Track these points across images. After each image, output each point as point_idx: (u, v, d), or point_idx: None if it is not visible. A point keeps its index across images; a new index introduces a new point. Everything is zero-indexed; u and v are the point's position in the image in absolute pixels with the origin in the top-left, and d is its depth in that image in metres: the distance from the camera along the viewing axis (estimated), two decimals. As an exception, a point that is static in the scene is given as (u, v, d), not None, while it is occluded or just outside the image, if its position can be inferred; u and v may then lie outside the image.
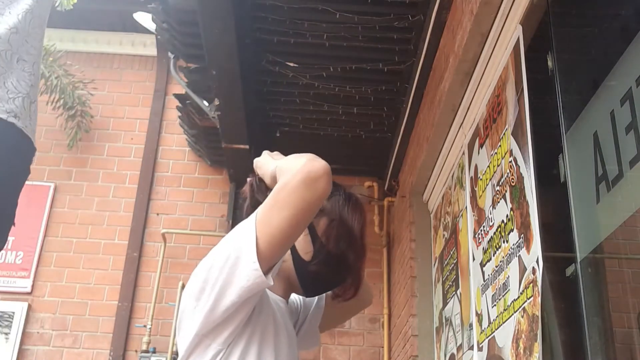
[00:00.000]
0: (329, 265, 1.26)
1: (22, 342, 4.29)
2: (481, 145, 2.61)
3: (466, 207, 2.81)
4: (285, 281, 1.29)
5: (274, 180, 1.17)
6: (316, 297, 1.45)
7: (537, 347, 1.83)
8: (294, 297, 1.43)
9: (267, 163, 1.25)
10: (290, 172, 1.09)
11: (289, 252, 1.25)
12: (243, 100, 3.55)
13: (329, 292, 1.44)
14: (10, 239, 5.07)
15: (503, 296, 2.20)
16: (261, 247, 1.07)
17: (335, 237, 1.27)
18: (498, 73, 2.42)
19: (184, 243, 4.56)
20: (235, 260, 1.08)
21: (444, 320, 3.23)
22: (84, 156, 4.83)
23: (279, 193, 1.08)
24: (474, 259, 2.63)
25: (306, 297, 1.38)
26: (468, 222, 2.75)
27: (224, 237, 1.16)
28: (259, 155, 1.34)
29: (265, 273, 1.08)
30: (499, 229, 2.30)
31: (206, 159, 4.75)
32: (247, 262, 1.07)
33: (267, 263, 1.08)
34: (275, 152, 1.31)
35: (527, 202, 2.01)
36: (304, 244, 1.26)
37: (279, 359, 1.17)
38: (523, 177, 2.06)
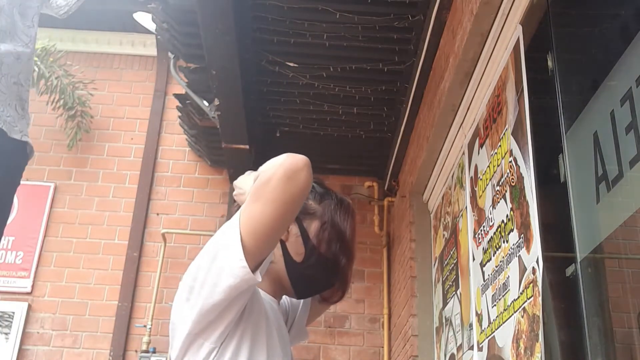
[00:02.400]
0: (321, 268, 1.27)
1: (22, 342, 4.29)
2: (481, 145, 2.61)
3: (466, 207, 2.81)
4: (276, 282, 1.30)
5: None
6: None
7: (539, 347, 1.84)
8: (283, 298, 1.45)
9: (246, 181, 1.27)
10: (270, 168, 1.10)
11: (280, 254, 1.27)
12: (243, 100, 3.55)
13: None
14: (10, 238, 5.05)
15: (503, 296, 2.20)
16: (247, 243, 1.08)
17: (327, 240, 1.28)
18: (498, 73, 2.42)
19: (184, 243, 4.56)
20: (221, 259, 1.09)
21: (444, 320, 3.23)
22: (84, 156, 4.83)
23: (261, 188, 1.09)
24: (474, 259, 2.63)
25: (297, 298, 1.39)
26: (468, 222, 2.75)
27: (212, 237, 1.16)
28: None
29: (254, 270, 1.08)
30: (499, 229, 2.30)
31: (206, 159, 4.75)
32: (233, 260, 1.07)
33: (254, 259, 1.09)
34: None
35: (527, 202, 2.01)
36: (295, 246, 1.27)
37: (271, 355, 1.18)
38: (523, 177, 2.06)
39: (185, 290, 1.13)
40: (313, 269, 1.26)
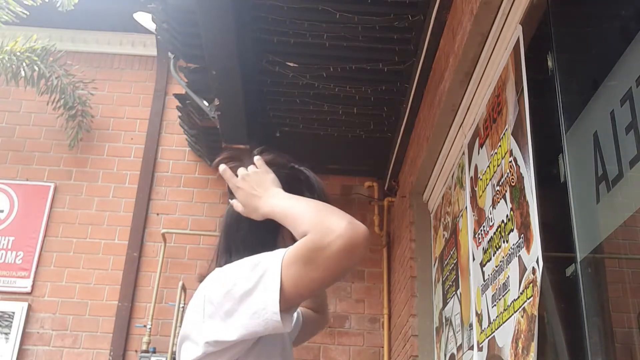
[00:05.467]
0: None
1: (22, 342, 4.29)
2: (481, 145, 2.61)
3: (466, 207, 2.81)
4: None
5: (265, 217, 1.15)
6: (296, 313, 1.47)
7: (533, 346, 1.84)
8: None
9: (253, 195, 1.18)
10: (327, 232, 1.01)
11: None
12: (243, 100, 3.55)
13: (303, 309, 1.50)
14: (10, 238, 5.08)
15: (503, 296, 2.20)
16: (287, 296, 1.03)
17: None
18: (498, 73, 2.42)
19: (184, 243, 4.56)
20: (256, 301, 1.04)
21: (444, 320, 3.23)
22: (84, 156, 4.83)
23: (316, 253, 1.01)
24: (474, 259, 2.63)
25: None
26: (468, 222, 2.75)
27: (241, 264, 1.10)
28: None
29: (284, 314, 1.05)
30: (499, 229, 2.30)
31: (206, 159, 4.75)
32: (268, 311, 1.02)
33: (288, 309, 1.06)
34: (260, 171, 1.22)
35: (527, 202, 2.01)
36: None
37: None
38: (523, 177, 2.06)
39: (206, 309, 1.09)
40: None
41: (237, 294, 1.05)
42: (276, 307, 1.01)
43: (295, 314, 1.47)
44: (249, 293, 1.04)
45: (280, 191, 1.18)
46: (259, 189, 1.19)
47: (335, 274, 1.03)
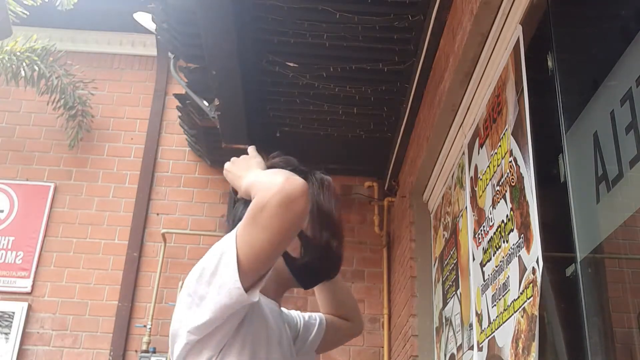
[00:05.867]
0: (319, 257, 1.27)
1: (22, 342, 4.29)
2: (481, 145, 2.61)
3: (466, 207, 2.81)
4: (277, 281, 1.28)
5: (247, 195, 1.18)
6: (317, 321, 1.49)
7: (535, 346, 1.84)
8: (295, 313, 1.47)
9: (238, 176, 1.25)
10: (266, 191, 1.06)
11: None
12: (243, 100, 3.55)
13: (329, 317, 1.50)
14: (10, 238, 5.08)
15: (503, 296, 2.20)
16: (243, 265, 1.07)
17: (318, 227, 1.26)
18: (498, 73, 2.42)
19: (184, 243, 4.56)
20: (219, 277, 1.08)
21: (444, 320, 3.23)
22: (84, 156, 4.83)
23: (258, 214, 1.05)
24: (474, 259, 2.63)
25: (305, 288, 1.39)
26: (468, 222, 2.75)
27: (209, 250, 1.15)
28: (259, 155, 1.33)
29: (250, 287, 1.08)
30: (499, 229, 2.30)
31: (206, 159, 4.76)
32: (230, 281, 1.07)
33: (250, 280, 1.09)
34: (248, 156, 1.30)
35: (527, 202, 2.01)
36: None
37: None
38: (523, 177, 2.06)
39: (185, 301, 1.13)
40: (312, 261, 1.26)
41: (206, 277, 1.10)
42: (235, 275, 1.06)
43: (307, 320, 1.47)
44: (214, 273, 1.09)
45: (260, 170, 1.23)
46: (244, 171, 1.25)
47: (280, 232, 1.06)
